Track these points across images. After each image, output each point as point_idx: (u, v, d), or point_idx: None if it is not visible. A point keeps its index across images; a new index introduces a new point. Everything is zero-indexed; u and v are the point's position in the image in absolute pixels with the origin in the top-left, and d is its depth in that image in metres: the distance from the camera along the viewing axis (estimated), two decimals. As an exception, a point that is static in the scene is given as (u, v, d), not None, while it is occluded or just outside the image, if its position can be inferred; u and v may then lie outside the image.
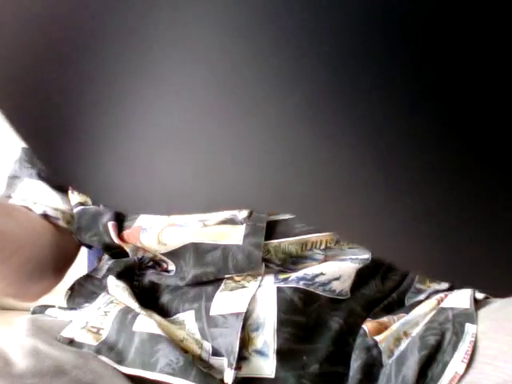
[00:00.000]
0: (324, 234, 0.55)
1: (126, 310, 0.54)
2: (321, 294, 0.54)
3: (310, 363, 0.51)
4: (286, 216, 0.55)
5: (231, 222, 0.55)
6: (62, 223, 0.63)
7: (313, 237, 0.55)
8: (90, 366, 0.50)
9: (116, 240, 0.59)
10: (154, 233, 0.57)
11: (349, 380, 0.51)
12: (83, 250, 0.69)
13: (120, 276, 0.60)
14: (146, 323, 0.52)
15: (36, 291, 0.64)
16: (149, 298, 0.58)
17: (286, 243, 0.55)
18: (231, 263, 0.54)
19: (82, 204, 0.63)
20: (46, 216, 0.62)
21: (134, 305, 0.56)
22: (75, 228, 0.63)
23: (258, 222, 0.54)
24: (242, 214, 0.55)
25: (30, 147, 0.20)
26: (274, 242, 0.54)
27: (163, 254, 0.58)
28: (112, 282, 0.59)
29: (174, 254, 0.57)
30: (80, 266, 0.75)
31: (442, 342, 0.51)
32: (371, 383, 0.51)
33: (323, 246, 0.55)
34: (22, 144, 0.66)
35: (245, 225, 0.55)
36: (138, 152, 0.18)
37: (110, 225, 0.60)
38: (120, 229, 0.61)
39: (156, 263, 0.60)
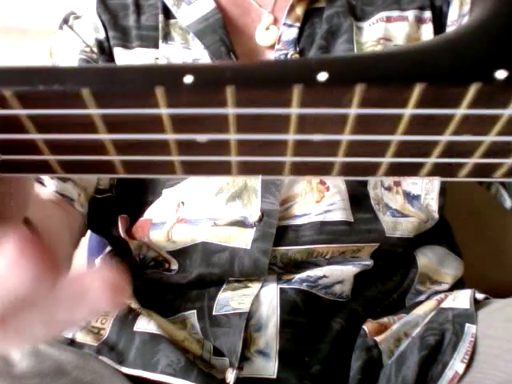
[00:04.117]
0: (332, 245, 0.54)
1: (127, 311, 0.54)
2: (323, 296, 0.54)
3: (311, 364, 0.52)
4: (296, 222, 0.55)
5: (241, 224, 0.55)
6: (77, 205, 0.58)
7: (320, 247, 0.54)
8: (90, 367, 0.49)
9: (123, 235, 0.59)
10: (164, 230, 0.57)
11: (349, 380, 0.52)
12: (83, 250, 0.69)
13: None
14: (147, 323, 0.52)
15: None
16: (150, 297, 0.58)
17: (293, 251, 0.54)
18: (237, 267, 0.54)
19: (98, 191, 0.61)
20: (61, 195, 0.56)
21: (135, 305, 0.56)
22: (85, 214, 0.62)
23: (268, 228, 0.54)
24: (253, 217, 0.55)
25: None
26: (282, 249, 0.54)
27: (169, 252, 0.58)
28: None
29: (181, 253, 0.57)
30: (80, 265, 0.74)
31: (442, 343, 0.51)
32: (371, 383, 0.52)
33: (328, 256, 0.55)
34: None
35: (255, 228, 0.54)
36: None
37: (120, 218, 0.60)
38: (130, 223, 0.60)
39: (158, 263, 0.60)
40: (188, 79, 0.14)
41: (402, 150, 0.16)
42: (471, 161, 0.16)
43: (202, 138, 0.16)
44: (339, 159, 0.16)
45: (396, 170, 0.16)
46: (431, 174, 0.16)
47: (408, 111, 0.15)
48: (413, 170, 0.16)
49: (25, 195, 0.23)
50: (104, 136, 0.16)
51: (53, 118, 0.15)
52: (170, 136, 0.16)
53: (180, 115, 0.15)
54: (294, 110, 0.15)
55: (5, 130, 0.16)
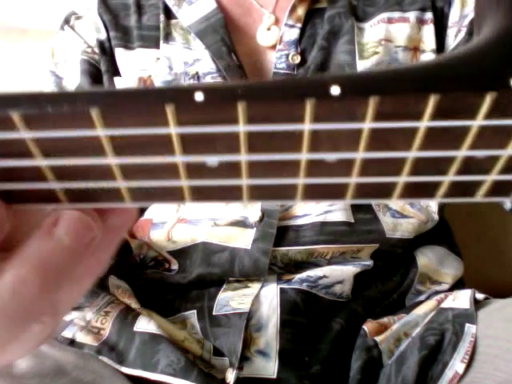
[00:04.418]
0: (332, 245, 0.54)
1: (127, 311, 0.54)
2: (323, 296, 0.54)
3: (311, 364, 0.52)
4: (296, 222, 0.55)
5: (242, 224, 0.55)
6: None
7: (321, 247, 0.54)
8: (90, 367, 0.49)
9: None
10: (165, 229, 0.57)
11: (349, 380, 0.52)
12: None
13: (121, 276, 0.60)
14: (147, 323, 0.52)
15: None
16: (150, 297, 0.58)
17: (293, 251, 0.54)
18: (237, 267, 0.54)
19: None
20: None
21: (135, 305, 0.55)
22: None
23: (269, 228, 0.54)
24: (254, 217, 0.54)
25: None
26: (282, 249, 0.54)
27: (169, 252, 0.57)
28: (113, 281, 0.59)
29: (181, 252, 0.57)
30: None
31: (442, 343, 0.51)
32: (371, 383, 0.52)
33: (329, 256, 0.55)
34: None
35: (255, 229, 0.54)
36: None
37: None
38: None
39: (158, 263, 0.60)
40: (199, 97, 0.14)
41: (418, 167, 0.15)
42: (491, 177, 0.16)
43: (212, 160, 0.15)
44: (354, 180, 0.15)
45: (412, 191, 0.16)
46: (448, 194, 0.16)
47: (423, 124, 0.15)
48: (429, 191, 0.16)
49: (39, 222, 0.22)
50: (111, 160, 0.15)
51: (59, 142, 0.15)
52: (180, 158, 0.15)
53: (190, 134, 0.15)
54: (307, 126, 0.14)
55: (8, 155, 0.16)
